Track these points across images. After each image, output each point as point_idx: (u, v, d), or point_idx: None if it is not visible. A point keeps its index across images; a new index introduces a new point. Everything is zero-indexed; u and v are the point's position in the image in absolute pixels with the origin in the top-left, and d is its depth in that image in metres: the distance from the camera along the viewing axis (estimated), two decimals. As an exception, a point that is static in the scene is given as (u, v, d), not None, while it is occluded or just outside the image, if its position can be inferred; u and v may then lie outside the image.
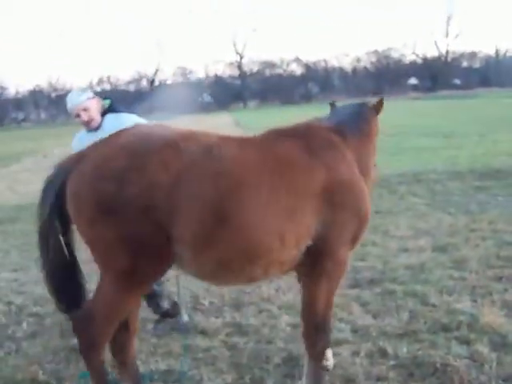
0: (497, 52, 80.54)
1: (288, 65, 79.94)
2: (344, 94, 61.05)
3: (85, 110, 4.35)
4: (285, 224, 2.97)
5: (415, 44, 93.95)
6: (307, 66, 78.70)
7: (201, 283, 5.00)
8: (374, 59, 79.77)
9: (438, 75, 74.57)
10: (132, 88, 78.88)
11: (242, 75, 78.22)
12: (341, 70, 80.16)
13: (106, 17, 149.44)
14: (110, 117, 4.46)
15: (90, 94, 4.44)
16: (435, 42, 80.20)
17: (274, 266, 3.10)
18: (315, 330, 3.36)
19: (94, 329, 3.01)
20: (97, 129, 4.42)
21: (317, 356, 3.42)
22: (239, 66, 79.05)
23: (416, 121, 26.83)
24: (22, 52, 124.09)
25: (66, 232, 3.12)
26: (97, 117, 4.42)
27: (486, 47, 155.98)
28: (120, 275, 2.87)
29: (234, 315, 4.91)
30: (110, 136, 3.08)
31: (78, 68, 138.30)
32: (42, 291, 5.81)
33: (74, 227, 3.11)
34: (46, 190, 3.08)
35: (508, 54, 79.58)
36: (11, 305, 5.59)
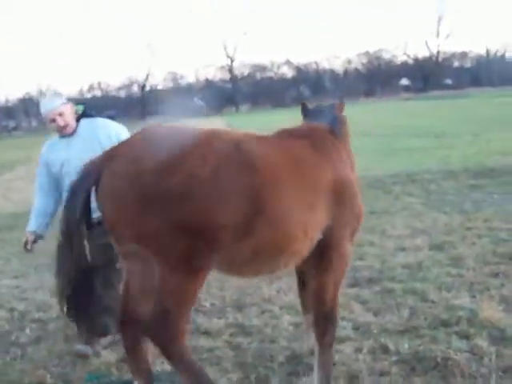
0: (487, 52, 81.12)
1: (279, 67, 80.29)
2: (336, 96, 61.25)
3: (60, 114, 4.30)
4: (307, 217, 3.16)
5: (406, 45, 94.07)
6: (298, 69, 78.95)
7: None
8: (365, 60, 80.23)
9: (429, 75, 74.97)
10: (123, 94, 78.94)
11: (233, 79, 78.36)
12: (332, 72, 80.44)
13: (95, 25, 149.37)
14: (85, 122, 4.44)
15: (64, 99, 4.40)
16: (426, 42, 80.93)
17: (295, 257, 3.28)
18: (325, 319, 3.49)
19: (171, 321, 2.98)
20: (71, 134, 4.39)
21: (327, 346, 3.53)
22: (230, 70, 79.18)
23: (408, 121, 27.02)
24: (11, 60, 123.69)
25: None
26: (72, 122, 4.38)
27: (476, 47, 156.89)
28: (180, 260, 2.88)
29: (236, 316, 4.97)
30: (138, 134, 3.12)
31: (68, 75, 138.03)
32: (44, 297, 5.89)
33: None
34: (74, 194, 3.07)
35: (499, 54, 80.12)
36: (14, 311, 5.62)
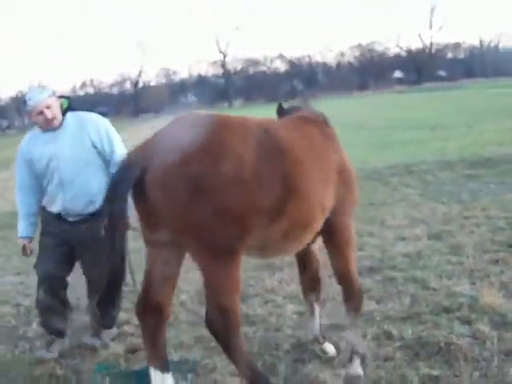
0: (481, 42, 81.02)
1: (272, 62, 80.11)
2: (329, 90, 61.39)
3: (48, 107, 4.17)
4: (324, 196, 3.39)
5: (399, 37, 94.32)
6: (291, 63, 78.77)
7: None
8: (357, 53, 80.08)
9: (422, 67, 74.88)
10: (115, 91, 78.68)
11: (226, 74, 78.14)
12: (325, 65, 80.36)
13: (86, 21, 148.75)
14: (70, 115, 4.33)
15: (51, 92, 4.29)
16: (419, 34, 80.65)
17: (311, 234, 3.49)
18: (355, 291, 3.74)
19: (228, 312, 3.03)
20: (57, 128, 4.27)
21: (358, 317, 3.79)
22: (223, 65, 78.91)
23: (402, 114, 27.09)
24: (1, 58, 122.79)
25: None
26: (59, 115, 4.25)
27: (470, 37, 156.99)
28: (222, 246, 2.94)
29: (240, 306, 5.01)
30: (175, 123, 3.15)
31: (60, 72, 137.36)
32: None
33: None
34: (117, 186, 2.98)
35: (492, 44, 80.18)
36: (19, 306, 5.68)
